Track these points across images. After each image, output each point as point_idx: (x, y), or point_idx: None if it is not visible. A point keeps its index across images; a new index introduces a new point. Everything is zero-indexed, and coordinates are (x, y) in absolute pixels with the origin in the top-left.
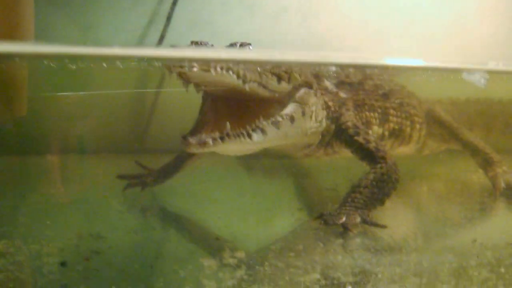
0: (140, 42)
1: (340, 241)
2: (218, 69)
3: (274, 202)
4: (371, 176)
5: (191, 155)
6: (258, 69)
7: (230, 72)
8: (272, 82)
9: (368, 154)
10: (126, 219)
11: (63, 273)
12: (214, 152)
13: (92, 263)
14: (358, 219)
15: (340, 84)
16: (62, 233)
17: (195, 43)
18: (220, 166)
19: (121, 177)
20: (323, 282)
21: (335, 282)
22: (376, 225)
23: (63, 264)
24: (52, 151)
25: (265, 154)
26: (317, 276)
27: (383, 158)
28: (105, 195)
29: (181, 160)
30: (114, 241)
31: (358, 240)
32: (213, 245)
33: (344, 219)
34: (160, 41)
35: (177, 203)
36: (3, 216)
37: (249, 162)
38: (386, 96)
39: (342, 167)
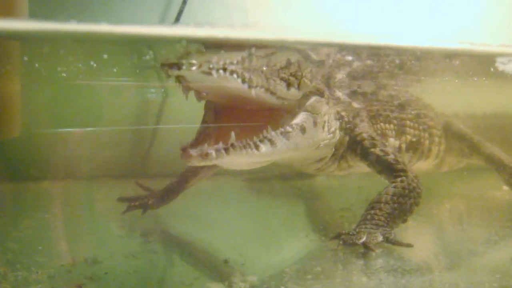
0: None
1: (362, 262)
2: (221, 71)
3: (285, 223)
4: (391, 191)
5: (196, 175)
6: (264, 70)
7: (235, 76)
8: (281, 88)
9: (386, 167)
10: (125, 243)
11: None
12: (220, 171)
13: None
14: (380, 238)
15: (353, 94)
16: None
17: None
18: (227, 186)
19: (121, 199)
20: None
21: None
22: (400, 244)
23: None
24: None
25: (274, 174)
26: None
27: (403, 170)
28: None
29: (185, 179)
30: (111, 266)
31: (381, 260)
32: (221, 269)
33: (364, 238)
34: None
35: (181, 225)
36: None
37: (258, 183)
38: (402, 106)
39: (355, 187)
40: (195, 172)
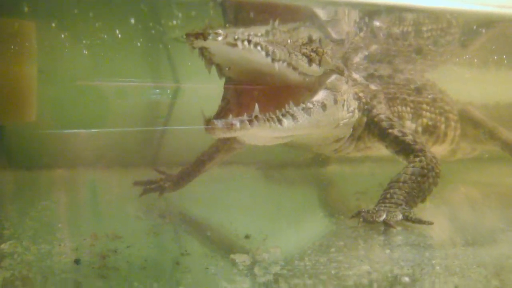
0: None
1: (383, 238)
2: (246, 43)
3: (302, 206)
4: (410, 170)
5: (211, 159)
6: (287, 45)
7: (259, 48)
8: (303, 64)
9: (404, 148)
10: (144, 222)
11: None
12: (234, 159)
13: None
14: (400, 216)
15: (370, 77)
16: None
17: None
18: (241, 174)
19: (137, 183)
20: (374, 275)
21: (389, 275)
22: (420, 222)
23: (77, 261)
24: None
25: (286, 162)
26: (367, 268)
27: (422, 150)
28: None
29: (200, 163)
30: (133, 241)
31: (401, 237)
32: (243, 243)
33: (384, 216)
34: None
35: (198, 208)
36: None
37: (271, 171)
38: (418, 90)
39: (368, 174)
40: (210, 156)
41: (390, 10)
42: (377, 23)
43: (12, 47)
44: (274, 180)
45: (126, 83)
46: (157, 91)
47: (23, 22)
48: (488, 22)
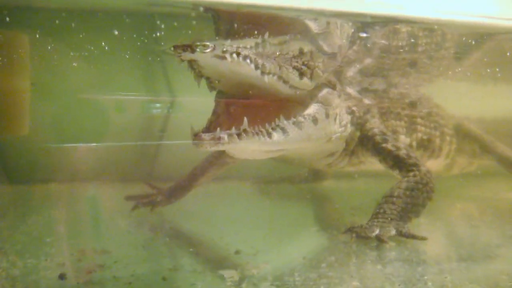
0: None
1: (376, 253)
2: (234, 55)
3: (295, 221)
4: (404, 185)
5: (204, 173)
6: (277, 58)
7: (248, 61)
8: (293, 77)
9: (398, 162)
10: (134, 236)
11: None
12: (227, 174)
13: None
14: (393, 231)
15: (364, 91)
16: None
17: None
18: (235, 189)
19: (129, 198)
20: None
21: None
22: (414, 237)
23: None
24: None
25: (281, 177)
26: (357, 284)
27: (416, 165)
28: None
29: (193, 178)
30: (121, 256)
31: (395, 252)
32: (233, 259)
33: (377, 231)
34: None
35: (190, 222)
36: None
37: (266, 185)
38: (413, 104)
39: (363, 189)
40: (203, 170)
41: (384, 21)
42: (370, 37)
43: (3, 59)
44: (269, 195)
45: (122, 96)
46: (157, 105)
47: (15, 33)
48: (482, 35)
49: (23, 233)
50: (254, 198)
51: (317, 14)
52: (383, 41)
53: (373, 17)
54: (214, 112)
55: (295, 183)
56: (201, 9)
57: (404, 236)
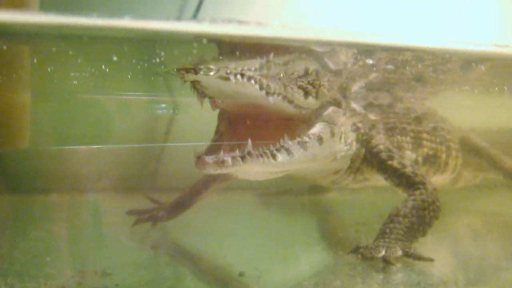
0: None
1: (382, 276)
2: (239, 77)
3: (300, 237)
4: (410, 204)
5: (206, 188)
6: (282, 78)
7: (252, 82)
8: (298, 96)
9: (404, 180)
10: (135, 255)
11: None
12: (230, 186)
13: None
14: (400, 252)
15: (369, 105)
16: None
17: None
18: (238, 201)
19: (130, 213)
20: None
21: None
22: (421, 258)
23: None
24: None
25: (285, 189)
26: None
27: (422, 183)
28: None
29: (195, 192)
30: (122, 278)
31: (401, 275)
32: (236, 281)
33: (383, 252)
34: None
35: (192, 238)
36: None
37: (269, 198)
38: (419, 119)
39: (369, 202)
40: (206, 185)
41: (387, 49)
42: (375, 56)
43: (3, 71)
44: (272, 208)
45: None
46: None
47: (15, 45)
48: (485, 59)
49: (22, 251)
50: (257, 210)
51: (325, 44)
52: (388, 57)
53: (382, 47)
54: (217, 131)
55: (299, 195)
56: (205, 41)
57: (411, 257)
